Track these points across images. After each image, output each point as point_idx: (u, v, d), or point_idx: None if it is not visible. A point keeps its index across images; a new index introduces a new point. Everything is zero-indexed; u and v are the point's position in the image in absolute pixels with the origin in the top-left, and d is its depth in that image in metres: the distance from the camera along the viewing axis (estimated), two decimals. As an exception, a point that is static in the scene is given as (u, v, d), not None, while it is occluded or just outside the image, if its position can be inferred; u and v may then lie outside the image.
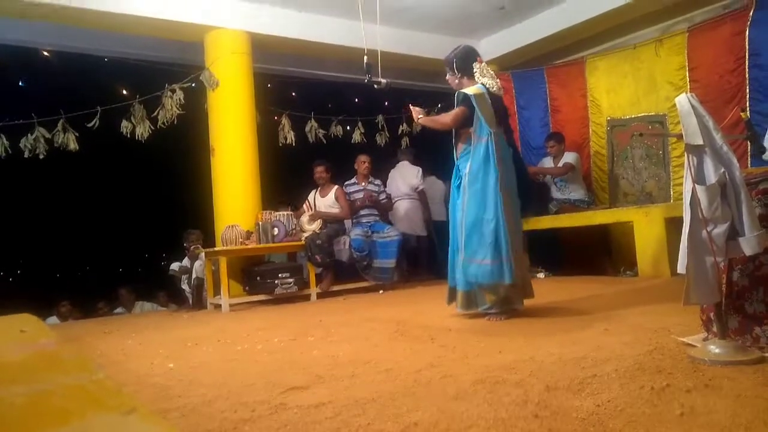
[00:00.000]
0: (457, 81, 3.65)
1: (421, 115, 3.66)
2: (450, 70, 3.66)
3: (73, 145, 5.62)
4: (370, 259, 5.94)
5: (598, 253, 6.42)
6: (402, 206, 7.06)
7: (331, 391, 2.01)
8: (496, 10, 6.67)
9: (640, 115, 6.38)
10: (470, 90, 3.48)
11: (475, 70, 3.59)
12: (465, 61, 3.61)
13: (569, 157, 6.27)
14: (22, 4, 5.06)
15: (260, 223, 5.60)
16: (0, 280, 12.97)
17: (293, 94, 8.11)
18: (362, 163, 6.48)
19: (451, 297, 3.69)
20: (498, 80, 3.64)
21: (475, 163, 3.42)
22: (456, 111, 3.51)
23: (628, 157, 6.51)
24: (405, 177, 7.16)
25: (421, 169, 7.18)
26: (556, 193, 6.38)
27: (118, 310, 7.01)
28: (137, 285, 7.47)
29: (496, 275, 3.31)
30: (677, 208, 4.30)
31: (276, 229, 5.63)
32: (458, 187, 3.59)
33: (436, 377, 2.10)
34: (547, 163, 6.50)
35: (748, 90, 5.29)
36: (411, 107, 3.73)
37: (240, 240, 5.56)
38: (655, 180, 6.28)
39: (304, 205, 6.29)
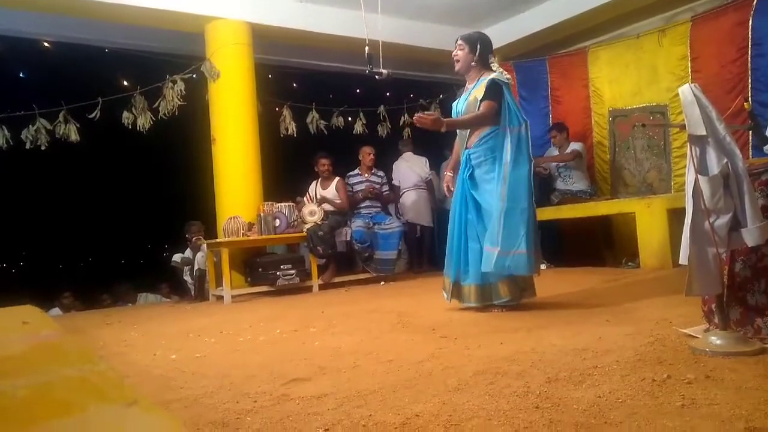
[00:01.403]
0: (472, 63, 3.52)
1: (438, 117, 3.34)
2: (470, 47, 3.51)
3: (74, 137, 5.61)
4: (371, 251, 5.95)
5: (599, 245, 6.41)
6: (410, 196, 7.08)
7: (333, 382, 2.01)
8: (498, 0, 6.62)
9: (641, 105, 6.35)
10: (503, 77, 3.44)
11: (492, 61, 3.58)
12: (486, 47, 3.55)
13: (575, 146, 6.25)
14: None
15: (262, 214, 5.60)
16: (2, 272, 13.01)
17: (294, 84, 8.08)
18: (367, 154, 6.47)
19: (455, 292, 3.56)
20: None
21: (511, 152, 3.33)
22: (490, 106, 3.36)
23: (630, 147, 6.49)
24: (413, 167, 7.17)
25: (427, 159, 7.20)
26: (559, 184, 6.36)
27: (119, 304, 7.04)
28: (136, 277, 7.49)
29: (529, 266, 3.28)
30: (679, 198, 4.28)
31: (278, 221, 5.63)
32: (470, 177, 3.52)
33: (437, 368, 2.10)
34: (552, 152, 6.47)
35: (749, 80, 5.27)
36: (422, 117, 3.26)
37: (242, 231, 5.56)
38: (656, 171, 6.26)
39: (306, 197, 6.29)
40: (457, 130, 3.66)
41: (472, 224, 3.48)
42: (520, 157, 3.33)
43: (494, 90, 3.39)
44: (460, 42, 3.56)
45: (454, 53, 3.59)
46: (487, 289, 3.43)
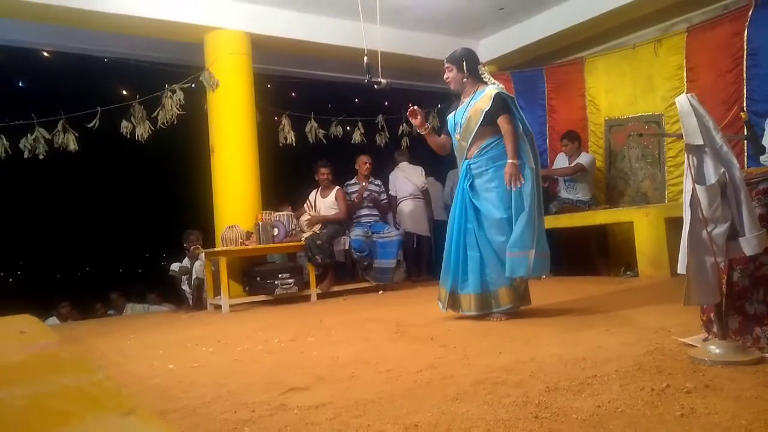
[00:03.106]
0: (464, 79, 3.60)
1: (512, 163, 3.40)
2: (457, 67, 3.60)
3: (73, 146, 5.62)
4: (370, 260, 5.94)
5: (594, 253, 6.40)
6: (408, 206, 7.08)
7: (331, 392, 2.01)
8: (495, 11, 6.67)
9: (637, 115, 6.37)
10: (505, 91, 3.54)
11: (482, 72, 3.63)
12: (473, 62, 3.62)
13: (583, 158, 6.15)
14: (23, 5, 5.06)
15: (260, 223, 5.59)
16: (0, 281, 12.97)
17: (293, 94, 8.11)
18: (363, 163, 6.48)
19: (451, 302, 3.55)
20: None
21: (533, 158, 3.44)
22: (509, 120, 3.42)
23: (626, 157, 6.51)
24: (410, 177, 7.18)
25: (423, 169, 7.22)
26: (562, 192, 6.31)
27: (111, 312, 7.00)
28: (128, 288, 7.47)
29: (547, 266, 3.40)
30: (676, 208, 4.30)
31: (276, 230, 5.63)
32: (470, 186, 3.55)
33: (436, 378, 2.10)
34: (562, 160, 6.39)
35: (745, 90, 5.29)
36: (512, 177, 3.35)
37: (240, 240, 5.56)
38: (650, 180, 6.27)
39: (305, 205, 6.29)
40: (454, 142, 3.69)
41: (472, 233, 3.50)
42: (535, 164, 3.45)
43: (504, 104, 3.47)
44: (447, 65, 3.66)
45: (445, 76, 3.68)
46: (487, 297, 3.45)
